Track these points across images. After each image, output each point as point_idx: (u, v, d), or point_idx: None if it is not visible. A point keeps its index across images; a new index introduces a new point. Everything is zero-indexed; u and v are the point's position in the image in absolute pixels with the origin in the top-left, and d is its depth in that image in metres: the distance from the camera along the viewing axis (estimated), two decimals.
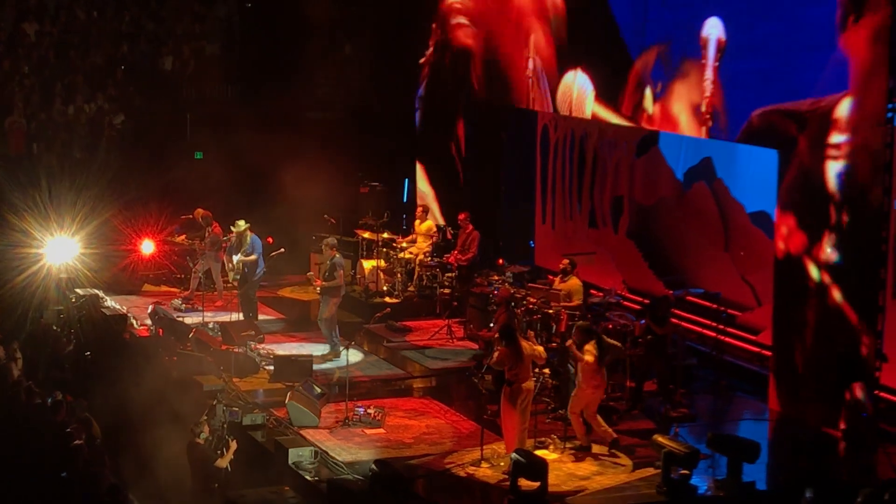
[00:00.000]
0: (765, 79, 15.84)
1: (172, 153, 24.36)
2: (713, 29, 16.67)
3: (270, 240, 20.22)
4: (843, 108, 14.37)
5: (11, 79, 24.57)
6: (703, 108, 16.88)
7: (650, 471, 13.61)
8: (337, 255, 18.06)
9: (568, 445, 14.40)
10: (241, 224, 19.45)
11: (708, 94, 16.80)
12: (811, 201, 14.97)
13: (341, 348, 17.43)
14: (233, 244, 19.62)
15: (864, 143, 14.16)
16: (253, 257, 19.32)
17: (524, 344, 13.87)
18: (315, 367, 16.96)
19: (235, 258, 19.45)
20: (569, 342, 14.57)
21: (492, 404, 15.33)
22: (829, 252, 14.68)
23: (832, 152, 14.56)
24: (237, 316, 19.25)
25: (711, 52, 16.74)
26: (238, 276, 19.52)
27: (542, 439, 14.44)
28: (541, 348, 14.29)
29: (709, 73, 16.74)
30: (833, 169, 14.57)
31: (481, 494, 13.49)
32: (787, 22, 15.43)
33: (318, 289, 18.04)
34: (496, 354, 13.96)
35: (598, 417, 14.29)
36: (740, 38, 16.33)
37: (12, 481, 12.09)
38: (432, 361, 18.13)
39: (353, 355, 17.72)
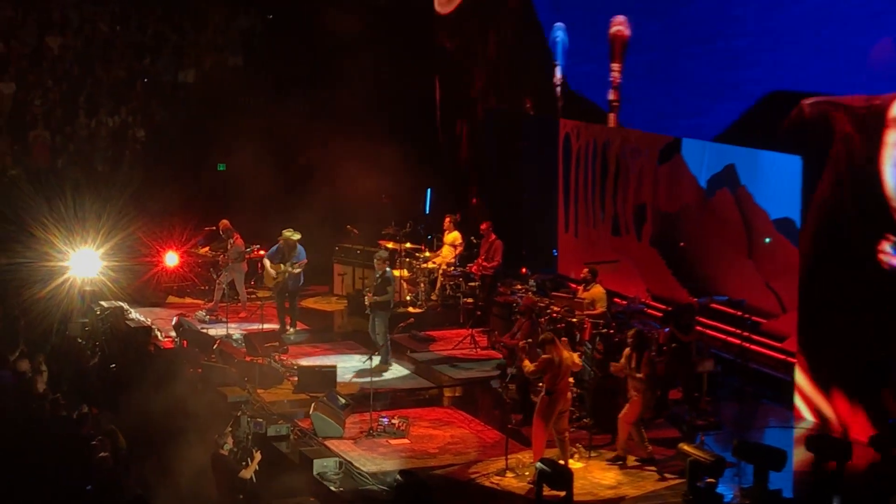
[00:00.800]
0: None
1: (195, 165, 24.43)
2: (619, 26, 18.14)
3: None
4: None
5: (35, 92, 24.68)
6: (611, 97, 18.23)
7: (676, 479, 13.54)
8: (388, 269, 18.04)
9: (592, 454, 14.34)
10: (295, 233, 19.52)
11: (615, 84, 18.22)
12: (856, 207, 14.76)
13: (365, 358, 17.43)
14: (280, 251, 19.62)
15: None
16: (298, 269, 19.41)
17: (564, 353, 13.83)
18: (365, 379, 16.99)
19: (283, 266, 19.48)
20: (627, 353, 14.39)
21: (516, 413, 15.31)
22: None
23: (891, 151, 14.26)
24: (262, 326, 19.27)
25: (617, 47, 17.92)
26: (277, 284, 19.59)
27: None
28: (577, 356, 14.25)
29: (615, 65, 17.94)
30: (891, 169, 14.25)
31: None
32: None
33: (369, 304, 18.02)
34: (535, 364, 13.84)
35: (642, 429, 14.24)
36: None
37: (37, 493, 12.11)
38: (456, 371, 18.10)
39: (397, 369, 18.00)
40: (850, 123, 14.68)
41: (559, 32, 20.78)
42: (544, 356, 13.75)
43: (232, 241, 20.51)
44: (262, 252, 20.62)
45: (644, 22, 18.32)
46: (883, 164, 14.25)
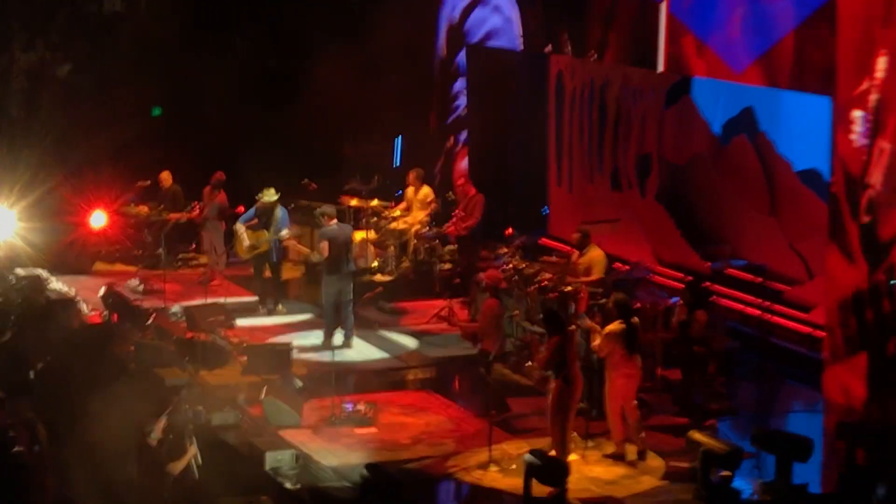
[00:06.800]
0: None
1: (126, 109, 24.25)
2: None
3: (242, 209, 20.17)
4: None
5: None
6: None
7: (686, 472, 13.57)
8: (329, 225, 17.96)
9: (590, 444, 14.34)
10: (272, 193, 19.44)
11: None
12: None
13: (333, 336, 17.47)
14: (258, 215, 19.56)
15: None
16: (285, 233, 19.50)
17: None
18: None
19: (267, 233, 19.44)
20: (588, 323, 14.44)
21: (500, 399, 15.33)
22: None
23: None
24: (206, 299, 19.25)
25: None
26: (257, 254, 19.65)
27: None
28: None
29: None
30: None
31: (490, 503, 13.44)
32: None
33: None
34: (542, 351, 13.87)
35: (631, 414, 14.20)
36: None
37: None
38: (432, 349, 18.09)
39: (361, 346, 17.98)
40: None
41: None
42: (553, 339, 13.71)
43: (216, 194, 20.66)
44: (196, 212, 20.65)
45: None
46: None
